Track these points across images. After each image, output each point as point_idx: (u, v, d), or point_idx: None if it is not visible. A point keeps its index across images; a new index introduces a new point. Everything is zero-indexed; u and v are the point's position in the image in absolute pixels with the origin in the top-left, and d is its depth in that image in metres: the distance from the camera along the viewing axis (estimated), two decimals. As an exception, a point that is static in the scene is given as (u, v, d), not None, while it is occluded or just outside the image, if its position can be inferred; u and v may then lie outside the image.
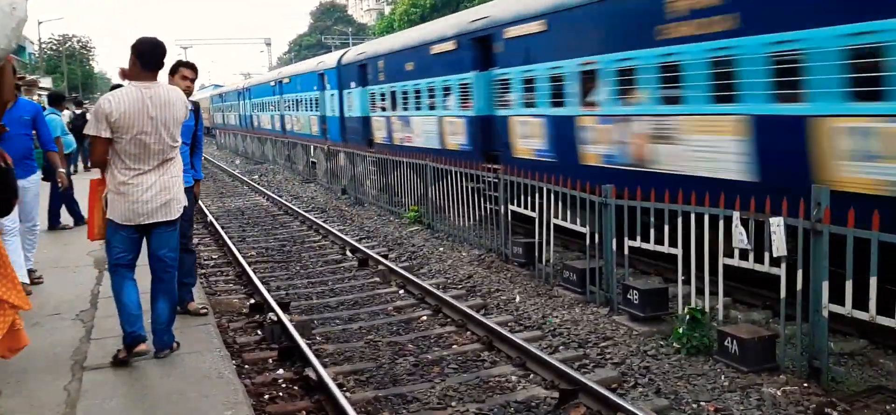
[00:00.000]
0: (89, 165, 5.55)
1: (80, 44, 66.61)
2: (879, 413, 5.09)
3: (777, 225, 5.78)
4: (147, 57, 4.84)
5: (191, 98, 5.84)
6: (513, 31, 11.62)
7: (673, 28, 8.14)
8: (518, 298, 8.31)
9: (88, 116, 5.45)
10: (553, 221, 8.78)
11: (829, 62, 6.40)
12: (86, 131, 4.96)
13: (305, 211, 15.80)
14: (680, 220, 6.79)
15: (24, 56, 56.55)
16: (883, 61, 5.99)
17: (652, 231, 7.15)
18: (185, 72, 6.09)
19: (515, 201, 9.73)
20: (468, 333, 7.11)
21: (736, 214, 6.18)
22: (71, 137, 14.42)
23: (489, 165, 11.86)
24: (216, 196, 19.84)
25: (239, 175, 25.24)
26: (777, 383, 5.59)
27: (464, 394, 5.66)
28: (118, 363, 5.01)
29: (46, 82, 43.90)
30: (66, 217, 10.63)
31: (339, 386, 5.64)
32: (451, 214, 12.01)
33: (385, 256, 10.63)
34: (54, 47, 63.87)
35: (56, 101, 12.03)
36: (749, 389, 5.52)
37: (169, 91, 4.96)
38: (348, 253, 11.22)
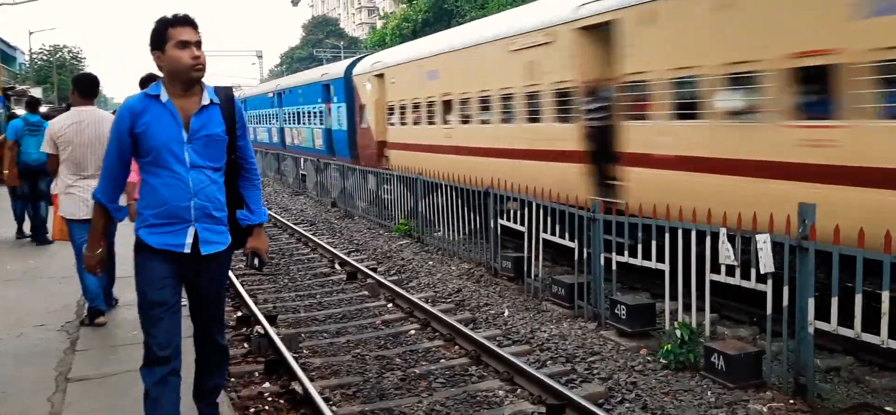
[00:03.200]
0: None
1: (71, 54, 66.46)
2: (864, 430, 5.10)
3: (764, 241, 5.81)
4: (83, 88, 6.30)
5: (217, 85, 3.77)
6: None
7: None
8: (506, 313, 8.31)
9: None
10: (542, 235, 8.80)
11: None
12: (42, 149, 6.39)
13: (294, 224, 15.77)
14: (667, 235, 6.81)
15: (15, 66, 56.38)
16: None
17: (639, 247, 7.17)
18: (180, 34, 3.49)
19: (505, 215, 9.76)
20: (456, 347, 7.11)
21: (723, 230, 6.21)
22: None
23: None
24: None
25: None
26: (763, 399, 5.60)
27: (451, 408, 5.65)
28: (83, 324, 6.28)
29: (36, 92, 43.68)
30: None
31: (326, 400, 5.62)
32: (441, 227, 12.01)
33: (374, 270, 10.62)
34: (45, 57, 63.66)
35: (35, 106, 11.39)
36: (735, 405, 5.53)
37: (100, 114, 6.25)
38: (337, 266, 11.20)
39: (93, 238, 3.74)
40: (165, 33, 3.49)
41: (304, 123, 25.08)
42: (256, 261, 3.95)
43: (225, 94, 3.69)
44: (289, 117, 27.29)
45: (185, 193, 3.49)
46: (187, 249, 3.55)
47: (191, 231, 3.54)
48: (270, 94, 30.17)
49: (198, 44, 3.52)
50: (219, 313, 3.93)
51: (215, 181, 3.62)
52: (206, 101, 3.57)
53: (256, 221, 3.90)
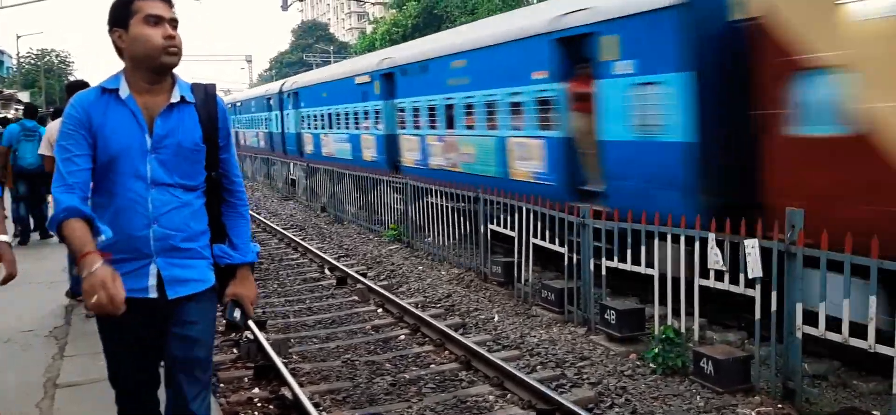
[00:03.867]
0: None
1: (59, 58, 66.13)
2: (852, 434, 5.13)
3: (752, 247, 5.84)
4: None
5: (196, 82, 2.94)
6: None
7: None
8: (497, 318, 8.32)
9: None
10: (532, 240, 8.81)
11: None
12: (40, 151, 6.96)
13: (284, 229, 15.74)
14: (656, 240, 6.84)
15: (3, 70, 56.06)
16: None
17: (628, 252, 7.20)
18: (150, 7, 2.69)
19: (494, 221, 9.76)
20: (446, 352, 7.11)
21: (711, 236, 6.24)
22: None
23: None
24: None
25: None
26: (752, 403, 5.63)
27: (441, 414, 5.65)
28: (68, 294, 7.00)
29: (24, 96, 43.49)
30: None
31: (316, 405, 5.62)
32: (432, 232, 12.02)
33: (364, 275, 10.61)
34: (32, 61, 63.28)
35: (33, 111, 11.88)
36: (724, 409, 5.56)
37: None
38: (327, 271, 11.18)
39: (85, 259, 2.45)
40: (131, 6, 2.68)
41: (472, 128, 11.98)
42: (238, 313, 2.93)
43: (205, 91, 2.86)
44: (417, 117, 14.09)
45: (141, 217, 2.65)
46: (153, 293, 2.69)
47: (152, 270, 2.69)
48: (361, 79, 17.05)
49: (173, 22, 2.71)
50: (197, 382, 2.78)
51: (187, 204, 2.75)
52: (175, 99, 2.74)
53: (239, 259, 2.92)
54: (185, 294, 2.73)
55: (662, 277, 6.84)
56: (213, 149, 2.81)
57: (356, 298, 9.46)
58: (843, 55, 5.94)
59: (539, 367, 6.67)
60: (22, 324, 6.43)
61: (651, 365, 6.44)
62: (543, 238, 8.62)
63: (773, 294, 5.76)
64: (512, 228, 9.25)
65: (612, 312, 7.21)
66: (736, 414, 5.48)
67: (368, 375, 6.53)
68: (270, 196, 23.67)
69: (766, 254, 5.82)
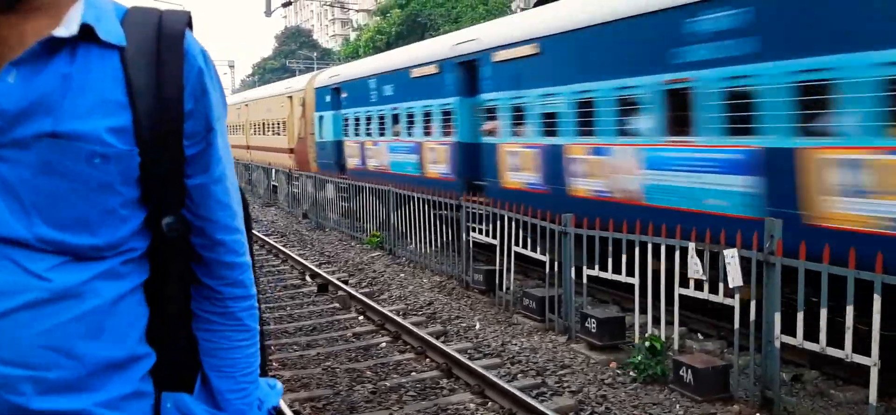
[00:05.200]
0: None
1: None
2: (829, 443, 5.17)
3: (731, 256, 5.89)
4: None
5: (138, 6, 1.27)
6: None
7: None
8: (478, 326, 8.32)
9: None
10: (513, 248, 8.83)
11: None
12: None
13: (265, 235, 15.66)
14: (637, 249, 6.88)
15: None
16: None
17: (610, 260, 7.23)
18: None
19: (476, 229, 9.78)
20: (427, 360, 7.10)
21: (691, 245, 6.28)
22: None
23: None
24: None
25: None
26: (730, 411, 5.67)
27: (421, 421, 5.64)
28: None
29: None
30: None
31: (296, 413, 5.59)
32: (414, 240, 12.01)
33: (345, 282, 10.57)
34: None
35: None
36: (703, 418, 5.59)
37: None
38: (308, 278, 11.14)
39: None
40: None
41: None
42: None
43: (157, 25, 1.24)
44: None
45: None
46: None
47: None
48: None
49: None
50: None
51: (76, 295, 1.15)
52: (63, 32, 1.13)
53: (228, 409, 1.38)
54: None
55: (643, 285, 6.87)
56: (166, 160, 1.23)
57: (337, 305, 9.42)
58: None
59: (520, 375, 6.68)
60: None
61: (631, 373, 6.47)
62: (525, 246, 8.64)
63: (752, 303, 5.81)
64: (494, 236, 9.27)
65: (593, 320, 7.24)
66: (715, 423, 5.51)
67: (349, 382, 6.51)
68: (251, 202, 23.56)
69: (745, 263, 5.87)
